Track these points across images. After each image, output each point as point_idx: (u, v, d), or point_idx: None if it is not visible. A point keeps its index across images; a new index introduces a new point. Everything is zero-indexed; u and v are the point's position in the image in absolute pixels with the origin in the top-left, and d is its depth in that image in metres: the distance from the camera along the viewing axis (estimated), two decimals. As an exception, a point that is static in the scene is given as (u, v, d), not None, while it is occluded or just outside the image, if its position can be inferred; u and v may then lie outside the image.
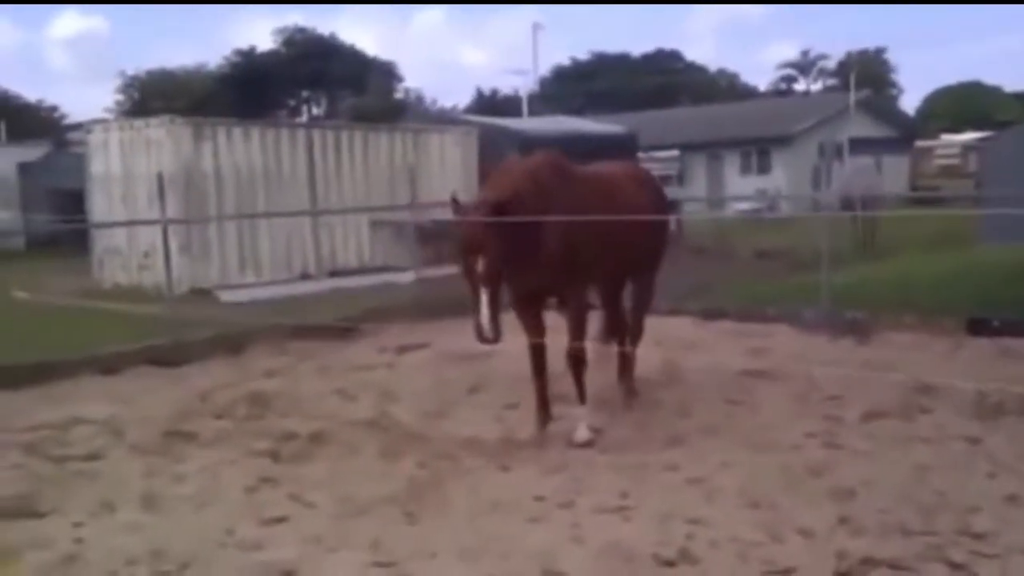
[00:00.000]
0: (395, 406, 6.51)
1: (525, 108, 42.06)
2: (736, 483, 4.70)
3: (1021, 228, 12.97)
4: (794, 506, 4.39)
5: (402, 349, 8.48)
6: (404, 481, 4.93)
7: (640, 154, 23.41)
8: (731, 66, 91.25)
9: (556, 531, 4.22)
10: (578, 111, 36.35)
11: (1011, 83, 66.58)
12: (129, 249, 14.17)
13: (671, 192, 30.00)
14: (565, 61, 68.49)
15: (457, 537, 4.19)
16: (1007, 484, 4.59)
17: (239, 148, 14.37)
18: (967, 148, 38.93)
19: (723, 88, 63.26)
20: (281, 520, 4.49)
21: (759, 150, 35.10)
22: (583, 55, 68.49)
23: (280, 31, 59.40)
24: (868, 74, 49.93)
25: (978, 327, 8.03)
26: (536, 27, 45.33)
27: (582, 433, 5.55)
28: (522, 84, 44.25)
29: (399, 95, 61.06)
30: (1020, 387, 6.23)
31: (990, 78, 64.15)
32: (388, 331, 9.22)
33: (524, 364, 7.22)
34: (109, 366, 7.95)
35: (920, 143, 41.76)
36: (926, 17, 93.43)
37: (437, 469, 5.11)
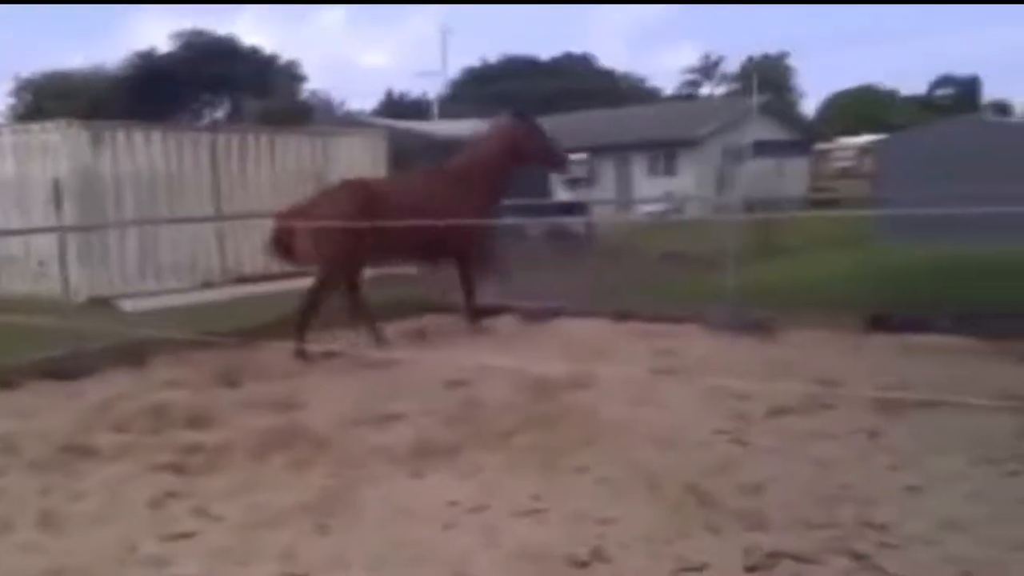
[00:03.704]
0: (304, 414, 6.39)
1: (435, 110, 41.94)
2: (646, 482, 4.75)
3: (916, 227, 13.52)
4: (703, 503, 4.45)
5: (313, 357, 8.34)
6: (314, 490, 4.84)
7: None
8: (637, 70, 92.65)
9: (469, 536, 4.20)
10: (489, 114, 36.38)
11: (905, 87, 69.33)
12: (25, 257, 13.63)
13: (581, 194, 30.53)
14: (475, 63, 68.61)
15: (369, 546, 4.13)
16: (907, 476, 4.74)
17: (140, 152, 13.99)
18: (863, 150, 40.35)
19: (629, 92, 64.23)
20: (186, 535, 4.36)
21: (666, 153, 35.77)
22: (493, 57, 68.71)
23: (178, 35, 58.01)
24: (769, 79, 51.34)
25: (879, 323, 8.29)
26: (445, 30, 45.28)
27: None
28: (432, 86, 44.16)
29: (305, 97, 60.23)
30: (919, 381, 6.48)
31: (885, 82, 66.43)
32: (302, 339, 9.05)
33: (439, 372, 7.25)
34: (4, 380, 7.61)
35: (819, 146, 43.13)
36: (823, 22, 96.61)
37: (348, 477, 5.03)
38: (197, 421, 6.31)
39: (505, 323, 9.85)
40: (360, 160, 17.00)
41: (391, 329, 9.51)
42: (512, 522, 4.34)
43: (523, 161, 9.89)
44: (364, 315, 9.22)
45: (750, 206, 15.60)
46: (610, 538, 4.09)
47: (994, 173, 13.45)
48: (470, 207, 8.87)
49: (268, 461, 5.38)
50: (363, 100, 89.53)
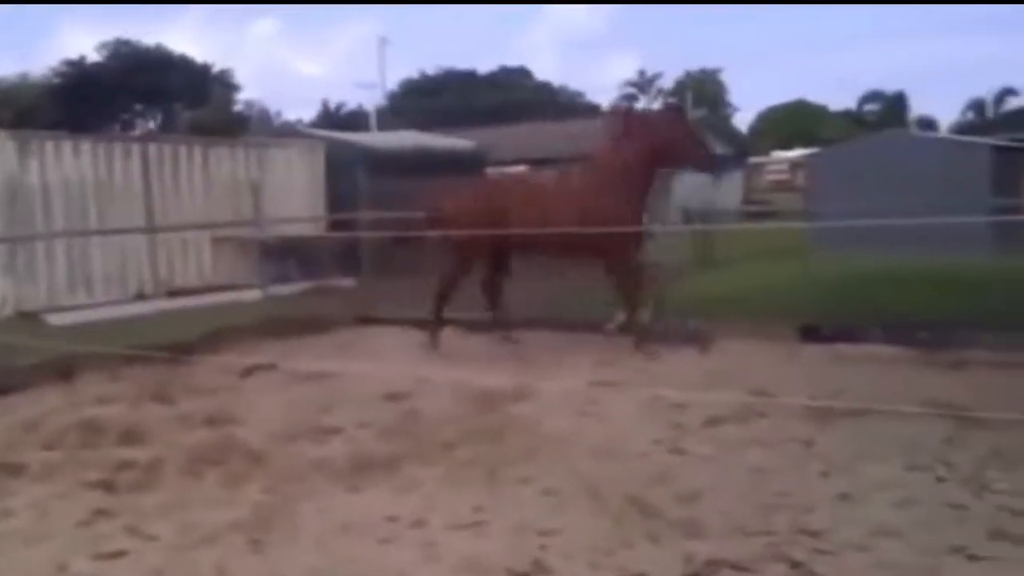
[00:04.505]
0: (239, 429, 6.28)
1: (373, 122, 41.74)
2: (587, 493, 4.77)
3: (847, 239, 13.83)
4: (643, 512, 4.48)
5: (247, 371, 8.20)
6: (249, 507, 4.75)
7: (489, 169, 23.61)
8: (573, 84, 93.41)
9: (409, 551, 4.16)
10: (427, 126, 36.31)
11: (834, 103, 71.05)
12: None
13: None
14: (413, 75, 68.52)
15: (306, 562, 4.06)
16: (839, 483, 4.83)
17: (69, 163, 13.64)
18: (795, 164, 41.21)
19: (568, 105, 64.73)
20: (118, 554, 4.24)
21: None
22: (431, 70, 68.71)
23: (104, 45, 56.85)
24: (704, 93, 52.17)
25: (810, 334, 8.44)
26: (382, 41, 45.15)
27: None
28: (369, 98, 44.00)
29: (240, 108, 59.49)
30: (851, 390, 6.61)
31: (816, 98, 68.01)
32: (232, 352, 8.95)
33: (377, 384, 7.19)
34: (-75, 397, 7.36)
35: (753, 159, 43.94)
36: (757, 39, 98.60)
37: (284, 493, 4.95)
38: (129, 437, 6.15)
39: (445, 334, 9.80)
40: (297, 172, 16.83)
41: (326, 341, 9.42)
42: (452, 536, 4.31)
43: (670, 161, 9.11)
44: (499, 312, 9.33)
45: (688, 218, 15.86)
46: (551, 549, 4.08)
47: (919, 186, 13.88)
48: (614, 211, 8.39)
49: (202, 477, 5.28)
50: (300, 111, 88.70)
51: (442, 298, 9.19)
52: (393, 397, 6.98)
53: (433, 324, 9.17)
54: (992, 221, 12.58)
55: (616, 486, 4.84)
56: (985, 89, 62.91)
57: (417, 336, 9.49)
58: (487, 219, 8.69)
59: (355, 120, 50.93)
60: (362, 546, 4.23)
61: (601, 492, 4.76)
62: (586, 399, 6.78)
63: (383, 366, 8.01)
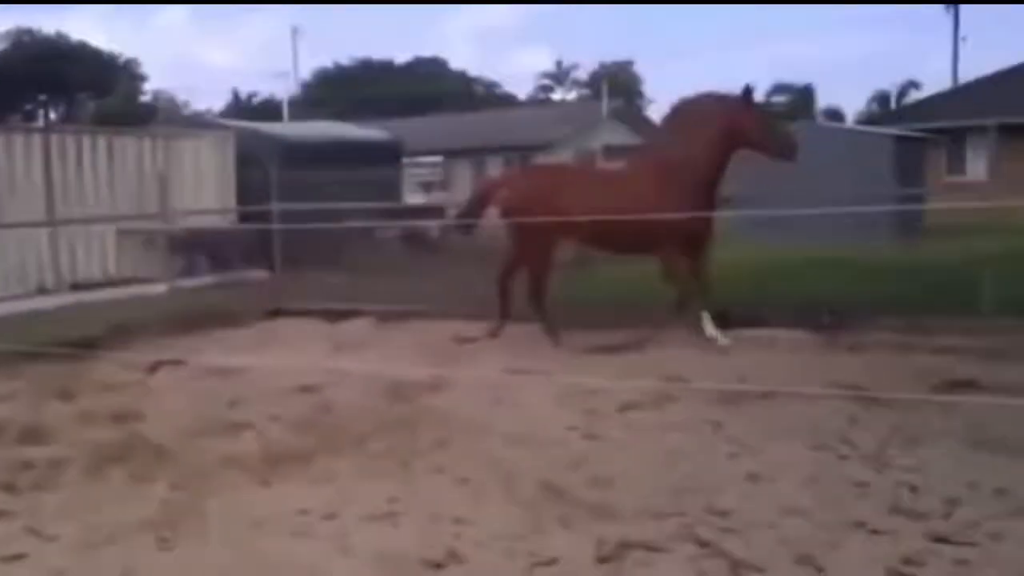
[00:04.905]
0: (146, 426, 6.10)
1: (286, 112, 41.08)
2: (501, 480, 4.78)
3: (758, 227, 14.15)
4: (557, 498, 4.51)
5: (153, 366, 7.99)
6: (156, 504, 4.62)
7: (404, 160, 23.47)
8: (492, 75, 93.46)
9: (321, 544, 4.11)
10: (342, 116, 35.90)
11: (744, 95, 72.33)
12: None
13: (436, 197, 30.49)
14: (328, 65, 67.62)
15: (217, 560, 3.97)
16: (748, 464, 4.94)
17: (-36, 153, 13.09)
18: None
19: (484, 96, 64.73)
20: (18, 556, 4.09)
21: (521, 157, 36.19)
22: (345, 59, 67.89)
23: (5, 35, 54.72)
24: (619, 85, 52.67)
25: (721, 319, 8.59)
26: (295, 30, 44.44)
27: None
28: (282, 88, 43.28)
29: (146, 98, 57.89)
30: (758, 374, 6.77)
31: (726, 90, 69.11)
32: (138, 347, 8.70)
33: (288, 378, 7.09)
34: None
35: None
36: (668, 32, 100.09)
37: (193, 489, 4.83)
38: (30, 436, 5.93)
39: (360, 326, 9.72)
40: (206, 163, 16.44)
41: (236, 334, 9.24)
42: (366, 528, 4.27)
43: (743, 147, 8.60)
44: (544, 302, 8.66)
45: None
46: (466, 538, 4.08)
47: (827, 175, 14.27)
48: (684, 201, 8.08)
49: (106, 476, 5.11)
50: (209, 101, 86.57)
51: (539, 291, 8.63)
52: (305, 390, 6.88)
53: (546, 323, 8.58)
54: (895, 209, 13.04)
55: (530, 473, 4.86)
56: (889, 82, 65.03)
57: (327, 328, 9.39)
58: (552, 207, 8.21)
59: (267, 110, 50.02)
60: (273, 541, 4.16)
61: (515, 480, 4.77)
62: (501, 387, 6.79)
63: (295, 359, 7.89)
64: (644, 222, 7.90)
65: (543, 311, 8.62)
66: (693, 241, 8.41)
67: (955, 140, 25.46)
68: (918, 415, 5.68)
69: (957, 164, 26.12)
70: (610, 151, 33.34)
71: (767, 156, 8.70)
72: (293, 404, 6.51)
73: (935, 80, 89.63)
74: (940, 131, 24.03)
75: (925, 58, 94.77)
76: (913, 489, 4.47)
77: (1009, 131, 23.56)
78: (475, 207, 9.14)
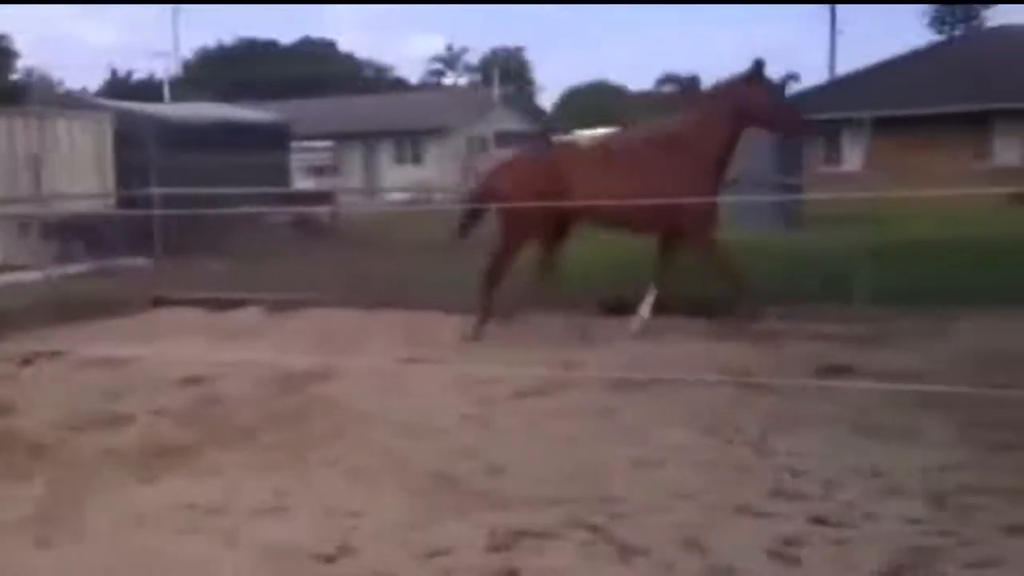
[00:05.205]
0: (21, 421, 5.83)
1: (167, 92, 39.80)
2: (395, 471, 4.75)
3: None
4: (450, 487, 4.51)
5: (28, 358, 7.63)
6: (33, 503, 4.43)
7: (293, 144, 23.02)
8: (383, 58, 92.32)
9: (209, 540, 4.00)
10: (226, 97, 34.90)
11: (632, 84, 73.76)
12: None
13: (326, 182, 30.02)
14: (211, 44, 65.61)
15: (99, 559, 3.83)
16: (639, 450, 5.04)
17: None
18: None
19: (374, 80, 63.94)
20: None
21: (413, 141, 35.95)
22: (229, 39, 65.98)
23: None
24: (510, 71, 52.84)
25: (616, 308, 8.72)
26: (176, 9, 43.08)
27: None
28: (163, 67, 41.89)
29: (17, 76, 55.02)
30: (650, 361, 6.90)
31: (616, 79, 70.14)
32: (10, 339, 8.30)
33: (168, 369, 6.87)
34: None
35: (557, 137, 44.91)
36: (558, 19, 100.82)
37: (72, 486, 4.64)
38: None
39: (248, 315, 9.49)
40: (82, 144, 15.77)
41: (117, 324, 8.91)
42: (255, 522, 4.18)
43: (753, 124, 8.34)
44: (493, 290, 8.22)
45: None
46: (359, 530, 4.04)
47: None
48: (690, 179, 7.83)
49: (-23, 473, 4.87)
50: (85, 79, 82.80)
51: (496, 276, 8.22)
52: (191, 381, 6.69)
53: (481, 310, 8.19)
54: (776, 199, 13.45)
55: (423, 463, 4.85)
56: (770, 73, 66.85)
57: (212, 317, 9.15)
58: (553, 190, 7.95)
59: (147, 90, 48.16)
60: (157, 538, 4.04)
61: (408, 469, 4.76)
62: (393, 376, 6.74)
63: (180, 349, 7.65)
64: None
65: (487, 298, 8.25)
66: (701, 220, 8.11)
67: (832, 131, 26.41)
68: (798, 400, 5.88)
69: (833, 155, 27.12)
70: (502, 137, 33.45)
71: (779, 133, 8.57)
72: (178, 396, 6.33)
73: (813, 73, 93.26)
74: (817, 123, 24.90)
75: (804, 51, 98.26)
76: (794, 472, 4.63)
77: (883, 123, 24.61)
78: (481, 197, 8.73)
